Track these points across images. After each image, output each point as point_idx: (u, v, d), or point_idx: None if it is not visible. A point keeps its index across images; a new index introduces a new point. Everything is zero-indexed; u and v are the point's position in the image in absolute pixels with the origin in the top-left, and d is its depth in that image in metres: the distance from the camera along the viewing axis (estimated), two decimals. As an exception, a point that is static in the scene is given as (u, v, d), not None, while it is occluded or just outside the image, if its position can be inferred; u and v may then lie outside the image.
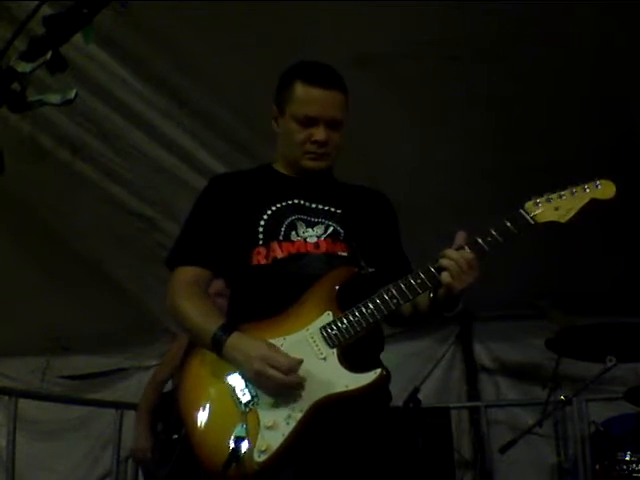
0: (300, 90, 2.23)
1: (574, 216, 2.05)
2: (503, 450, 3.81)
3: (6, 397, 3.91)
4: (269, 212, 2.23)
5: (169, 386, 3.83)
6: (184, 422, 2.09)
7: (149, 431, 3.63)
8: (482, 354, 5.13)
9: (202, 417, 2.07)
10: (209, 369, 2.11)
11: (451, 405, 4.89)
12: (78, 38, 1.04)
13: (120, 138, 3.88)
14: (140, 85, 3.61)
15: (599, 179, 2.10)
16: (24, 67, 0.90)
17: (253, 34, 3.16)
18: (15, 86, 0.90)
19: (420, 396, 4.20)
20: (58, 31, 0.92)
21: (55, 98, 0.94)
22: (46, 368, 5.18)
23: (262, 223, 2.22)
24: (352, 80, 2.65)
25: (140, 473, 4.11)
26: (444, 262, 1.99)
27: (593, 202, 2.07)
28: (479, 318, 5.13)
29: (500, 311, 4.94)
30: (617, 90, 3.40)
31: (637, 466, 3.30)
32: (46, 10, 2.84)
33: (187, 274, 2.23)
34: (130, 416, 4.21)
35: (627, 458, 3.34)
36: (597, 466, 3.51)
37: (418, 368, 4.99)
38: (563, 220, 2.06)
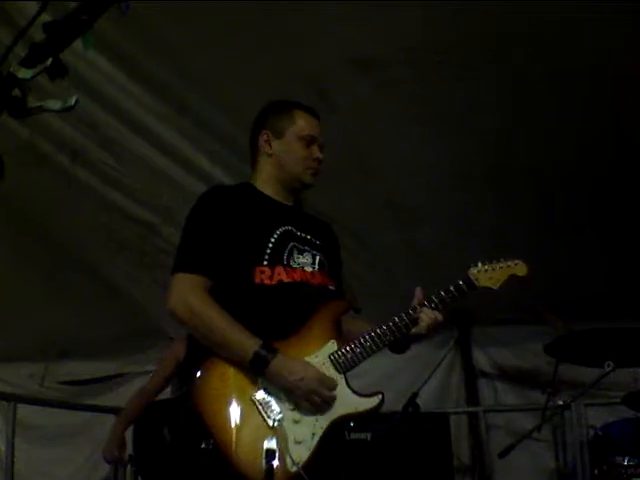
0: (302, 115, 2.57)
1: (502, 285, 2.55)
2: (502, 455, 3.80)
3: (5, 402, 3.91)
4: (275, 236, 2.43)
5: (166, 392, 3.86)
6: (212, 434, 2.19)
7: (122, 437, 3.79)
8: (481, 359, 5.13)
9: (234, 430, 2.20)
10: (232, 384, 2.26)
11: (450, 410, 4.88)
12: (78, 44, 1.05)
13: (119, 144, 3.88)
14: (139, 91, 3.62)
15: (516, 260, 2.60)
16: (25, 73, 0.91)
17: (253, 40, 3.18)
18: (16, 92, 0.91)
19: (419, 401, 4.20)
20: (58, 37, 0.93)
21: (56, 105, 0.94)
22: (45, 374, 5.17)
23: (270, 245, 2.41)
24: (350, 82, 2.70)
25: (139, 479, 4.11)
26: (423, 317, 2.40)
27: (512, 277, 2.56)
28: (478, 323, 5.13)
29: (498, 316, 4.93)
30: (617, 89, 3.41)
31: (636, 470, 3.30)
32: (46, 16, 2.85)
33: (194, 280, 2.33)
34: (129, 421, 4.21)
35: (625, 463, 3.34)
36: (596, 471, 3.51)
37: (417, 373, 4.97)
38: (495, 287, 2.54)
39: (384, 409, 4.59)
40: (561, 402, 3.67)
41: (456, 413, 4.95)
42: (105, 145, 3.93)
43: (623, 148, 3.67)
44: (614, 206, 3.98)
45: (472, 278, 2.52)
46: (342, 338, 2.41)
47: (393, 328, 2.40)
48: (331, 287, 2.52)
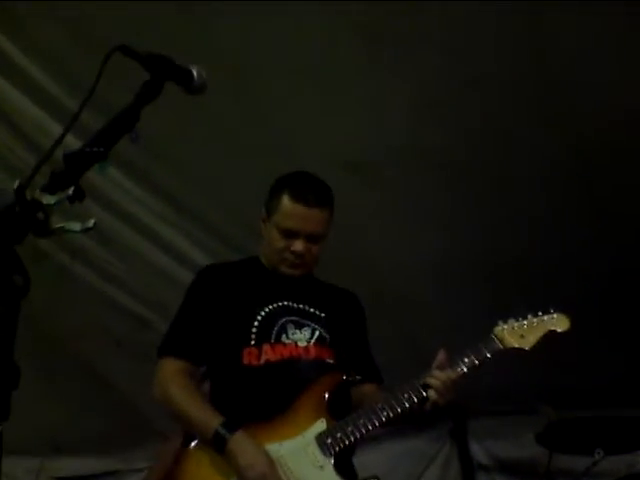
0: (286, 204, 2.39)
1: (536, 344, 2.29)
2: None
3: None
4: (262, 314, 2.37)
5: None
6: None
7: None
8: (478, 452, 5.08)
9: None
10: (208, 470, 2.17)
11: (448, 505, 4.82)
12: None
13: (118, 242, 3.98)
14: (139, 192, 3.74)
15: (555, 312, 2.33)
16: (48, 200, 1.02)
17: (249, 144, 3.34)
18: (39, 215, 1.01)
19: (416, 497, 4.16)
20: (77, 167, 1.04)
21: (76, 226, 1.05)
22: (40, 469, 5.12)
23: (255, 324, 2.34)
24: (342, 183, 2.83)
25: None
26: (432, 381, 2.18)
27: (551, 333, 2.30)
28: (473, 415, 5.10)
29: (492, 407, 4.92)
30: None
31: None
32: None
33: (177, 365, 2.34)
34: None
35: None
36: None
37: (412, 468, 4.93)
38: (527, 347, 2.29)
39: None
40: (554, 492, 3.66)
41: (454, 508, 4.88)
42: (104, 242, 4.01)
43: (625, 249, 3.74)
44: (615, 296, 4.02)
45: (495, 340, 2.27)
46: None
47: (392, 402, 2.20)
48: (328, 360, 2.37)
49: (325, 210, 2.42)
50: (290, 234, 2.38)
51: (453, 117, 3.19)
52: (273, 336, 2.33)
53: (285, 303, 2.41)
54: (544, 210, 3.63)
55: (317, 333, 2.38)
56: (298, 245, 2.37)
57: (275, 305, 2.40)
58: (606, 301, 3.98)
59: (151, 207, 3.83)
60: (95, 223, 1.07)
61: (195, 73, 1.41)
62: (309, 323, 2.40)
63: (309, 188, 2.43)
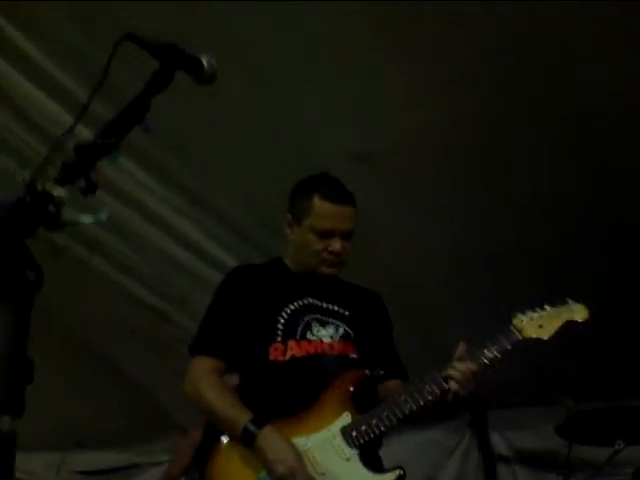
0: (319, 205, 2.46)
1: (555, 333, 2.33)
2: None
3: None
4: (288, 311, 2.45)
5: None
6: None
7: None
8: (499, 443, 5.05)
9: None
10: (238, 465, 2.25)
11: (468, 497, 4.80)
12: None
13: (135, 234, 3.98)
14: (154, 184, 3.74)
15: (571, 303, 2.38)
16: (59, 192, 1.02)
17: (260, 135, 3.34)
18: (50, 207, 1.01)
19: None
20: (88, 158, 1.03)
21: (88, 218, 1.04)
22: (61, 464, 5.15)
23: (281, 321, 2.42)
24: (349, 174, 2.84)
25: None
26: (453, 373, 2.24)
27: (570, 323, 2.35)
28: (493, 406, 5.07)
29: (513, 398, 4.90)
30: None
31: None
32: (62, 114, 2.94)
33: (208, 364, 2.42)
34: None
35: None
36: None
37: (434, 459, 4.91)
38: (546, 337, 2.34)
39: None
40: (574, 483, 3.64)
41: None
42: (121, 235, 4.02)
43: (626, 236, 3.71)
44: (622, 285, 4.00)
45: (514, 331, 2.32)
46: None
47: (416, 395, 2.27)
48: (352, 356, 2.44)
49: (354, 206, 2.51)
50: (326, 234, 2.44)
51: (457, 104, 3.16)
52: (298, 333, 2.41)
53: (310, 301, 2.48)
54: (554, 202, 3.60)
55: (341, 330, 2.46)
56: (336, 244, 2.45)
57: (300, 303, 2.47)
58: (620, 290, 3.96)
59: (168, 200, 3.82)
60: (108, 216, 1.06)
61: (205, 62, 1.38)
62: (333, 321, 2.47)
63: (337, 187, 2.52)
